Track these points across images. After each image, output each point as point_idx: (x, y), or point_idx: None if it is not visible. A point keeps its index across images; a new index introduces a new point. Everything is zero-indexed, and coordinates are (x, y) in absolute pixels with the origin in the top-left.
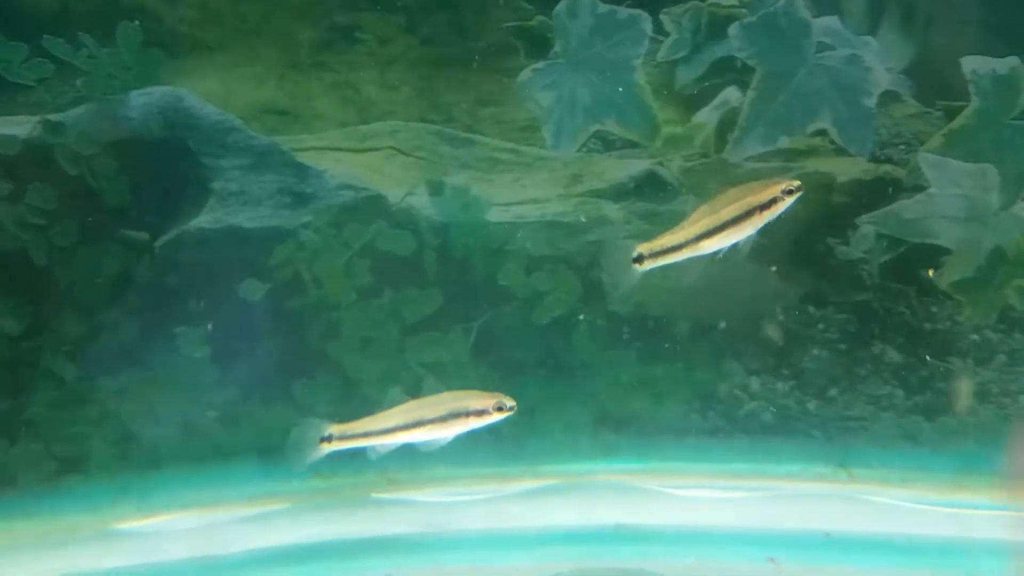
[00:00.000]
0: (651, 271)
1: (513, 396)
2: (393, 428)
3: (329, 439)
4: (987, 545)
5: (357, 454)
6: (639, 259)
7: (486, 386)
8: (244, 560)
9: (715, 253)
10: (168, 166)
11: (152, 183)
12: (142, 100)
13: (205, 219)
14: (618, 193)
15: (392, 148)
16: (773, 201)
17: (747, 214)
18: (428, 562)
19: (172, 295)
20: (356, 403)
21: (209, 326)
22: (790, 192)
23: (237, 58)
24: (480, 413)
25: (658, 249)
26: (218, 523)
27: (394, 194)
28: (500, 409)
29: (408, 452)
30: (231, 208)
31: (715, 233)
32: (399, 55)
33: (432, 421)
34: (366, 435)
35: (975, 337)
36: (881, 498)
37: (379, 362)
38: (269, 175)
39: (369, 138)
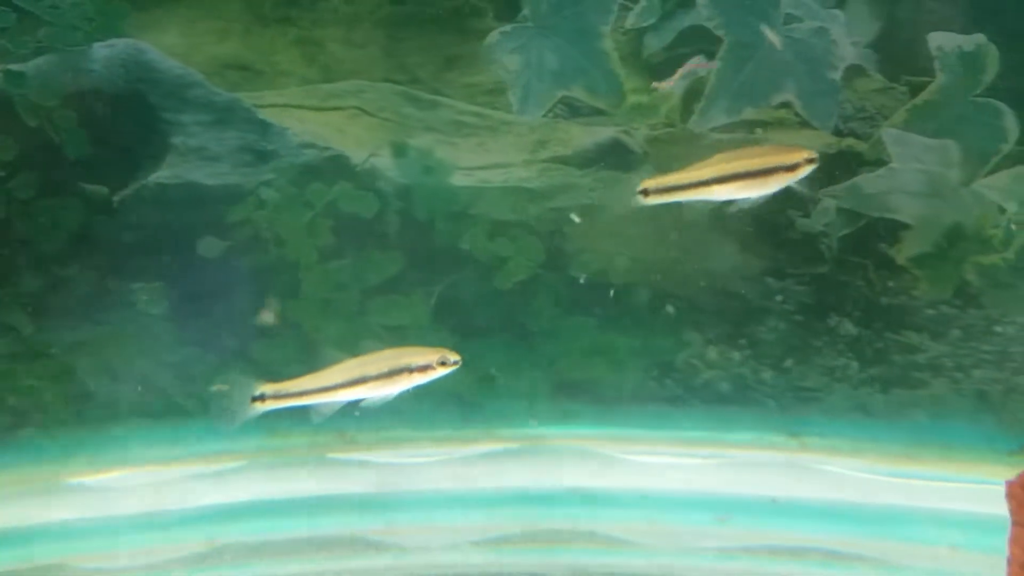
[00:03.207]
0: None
1: (473, 360)
2: (333, 386)
3: (262, 398)
4: (932, 515)
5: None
6: (644, 192)
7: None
8: (196, 516)
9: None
10: (128, 120)
11: (112, 137)
12: (104, 52)
13: (164, 174)
14: (583, 160)
15: (356, 108)
16: (796, 166)
17: (770, 171)
18: (380, 521)
19: (130, 250)
20: (317, 363)
21: (166, 283)
22: (811, 161)
23: (200, 12)
24: (423, 368)
25: (663, 186)
26: (171, 479)
27: (357, 155)
28: (444, 364)
29: (367, 414)
30: (191, 164)
31: (728, 181)
32: (366, 13)
33: (375, 378)
34: (303, 393)
35: (931, 311)
36: (832, 467)
37: (339, 323)
38: (230, 132)
39: (333, 97)
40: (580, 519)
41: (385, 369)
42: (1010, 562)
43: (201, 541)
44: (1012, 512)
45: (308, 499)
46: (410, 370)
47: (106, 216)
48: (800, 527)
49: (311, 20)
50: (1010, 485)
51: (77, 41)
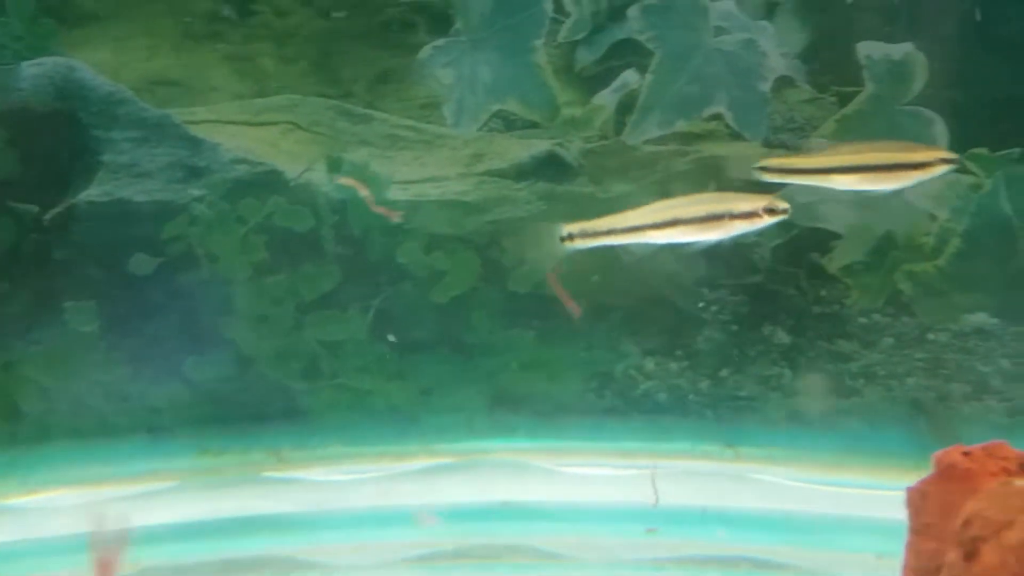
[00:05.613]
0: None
1: (411, 375)
2: (643, 226)
3: (570, 237)
4: (861, 523)
5: (246, 432)
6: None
7: (384, 366)
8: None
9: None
10: (58, 138)
11: (42, 155)
12: (33, 71)
13: (95, 192)
14: (519, 173)
15: (289, 123)
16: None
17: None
18: (310, 540)
19: (61, 269)
20: (251, 380)
21: (98, 301)
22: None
23: (130, 28)
24: (748, 216)
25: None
26: (104, 500)
27: (291, 169)
28: (771, 211)
29: (299, 431)
30: (121, 181)
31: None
32: (297, 28)
33: (689, 221)
34: (611, 232)
35: (863, 320)
36: (765, 476)
37: (275, 340)
38: (161, 148)
39: (265, 112)
40: (513, 534)
41: (703, 213)
42: (904, 569)
43: (127, 563)
44: (910, 518)
45: (238, 519)
46: (732, 216)
47: (37, 235)
48: (731, 537)
49: (242, 35)
50: (910, 491)
51: (5, 60)
